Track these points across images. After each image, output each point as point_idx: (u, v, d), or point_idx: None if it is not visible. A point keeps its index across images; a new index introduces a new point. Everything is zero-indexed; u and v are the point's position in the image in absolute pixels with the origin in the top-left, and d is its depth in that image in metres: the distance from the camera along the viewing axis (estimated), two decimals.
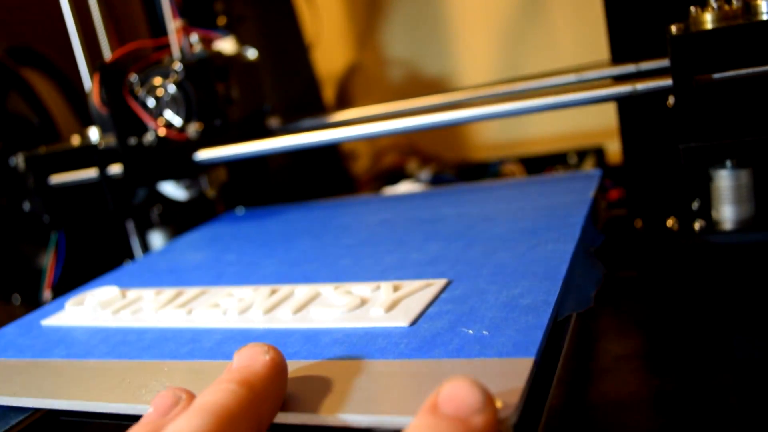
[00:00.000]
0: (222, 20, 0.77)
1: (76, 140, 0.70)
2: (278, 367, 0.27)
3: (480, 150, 0.99)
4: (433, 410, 0.23)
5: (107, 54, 0.68)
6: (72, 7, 0.67)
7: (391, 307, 0.34)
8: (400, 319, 0.33)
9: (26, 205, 0.70)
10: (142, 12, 0.79)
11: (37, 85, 0.80)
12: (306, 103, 0.88)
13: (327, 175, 0.89)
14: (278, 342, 0.33)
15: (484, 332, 0.30)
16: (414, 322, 0.33)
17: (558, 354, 0.31)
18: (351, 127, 0.56)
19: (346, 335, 0.33)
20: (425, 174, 0.83)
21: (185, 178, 0.58)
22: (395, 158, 0.94)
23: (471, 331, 0.30)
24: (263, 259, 0.49)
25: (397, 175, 0.91)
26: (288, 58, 0.85)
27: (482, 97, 0.61)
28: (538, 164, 0.80)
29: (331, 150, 0.90)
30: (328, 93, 1.02)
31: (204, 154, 0.58)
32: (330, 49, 1.03)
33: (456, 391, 0.23)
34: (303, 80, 0.89)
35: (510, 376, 0.26)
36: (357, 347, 0.31)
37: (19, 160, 0.68)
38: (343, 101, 1.06)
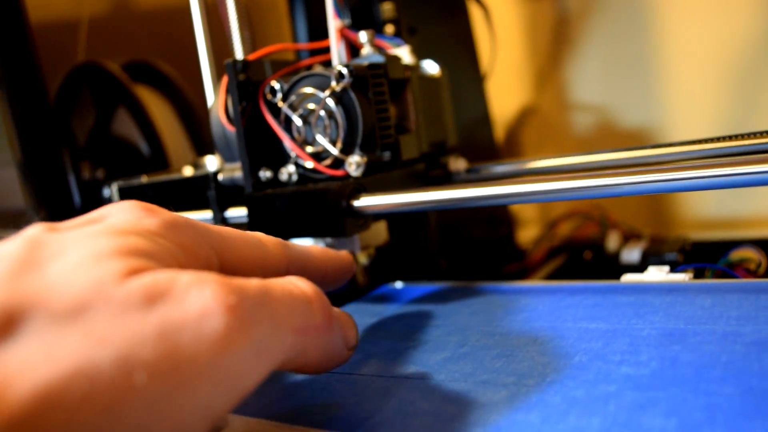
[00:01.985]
0: (389, 28, 0.59)
1: (188, 171, 0.53)
2: None
3: (688, 225, 0.76)
4: None
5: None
6: (203, 10, 0.52)
7: None
8: None
9: None
10: (289, 20, 0.63)
11: (152, 108, 0.64)
12: (479, 143, 0.69)
13: (489, 240, 0.68)
14: None
15: None
16: None
17: None
18: (596, 179, 0.35)
19: None
20: (635, 254, 0.60)
21: (337, 236, 0.38)
22: (581, 228, 0.72)
23: None
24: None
25: (578, 248, 0.70)
26: (460, 86, 0.67)
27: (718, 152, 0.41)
28: None
29: (502, 209, 0.70)
30: (496, 135, 0.83)
31: (368, 201, 0.38)
32: (502, 85, 0.83)
33: None
34: (476, 116, 0.70)
35: None
36: None
37: (113, 191, 0.51)
38: (512, 149, 0.86)
